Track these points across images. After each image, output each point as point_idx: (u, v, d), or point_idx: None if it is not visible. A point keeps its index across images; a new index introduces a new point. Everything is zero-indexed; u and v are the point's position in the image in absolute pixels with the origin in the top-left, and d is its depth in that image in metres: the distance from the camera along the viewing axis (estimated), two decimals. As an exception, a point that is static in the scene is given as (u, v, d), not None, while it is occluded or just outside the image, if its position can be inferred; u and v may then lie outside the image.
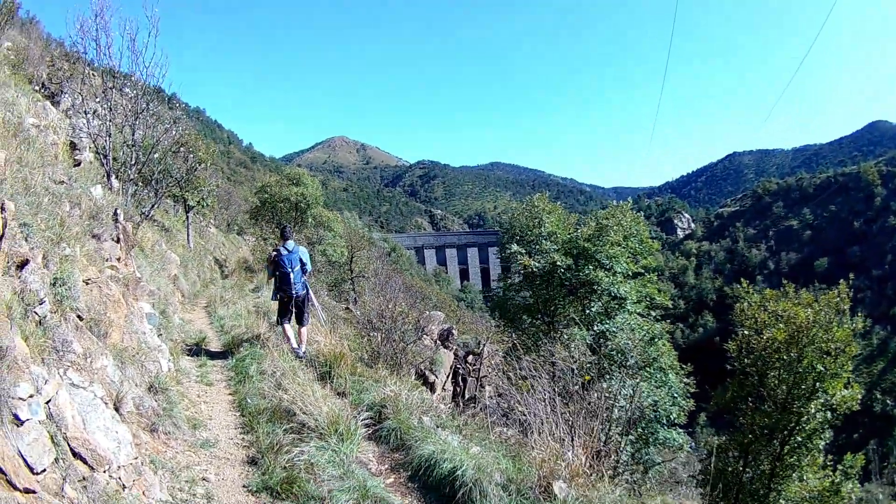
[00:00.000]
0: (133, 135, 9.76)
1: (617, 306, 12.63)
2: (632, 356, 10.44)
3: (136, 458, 3.14)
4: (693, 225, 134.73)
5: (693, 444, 13.74)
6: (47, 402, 2.70)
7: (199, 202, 16.37)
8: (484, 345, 21.83)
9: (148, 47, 9.22)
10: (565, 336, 11.13)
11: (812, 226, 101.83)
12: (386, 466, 4.31)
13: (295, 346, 6.74)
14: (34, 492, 2.27)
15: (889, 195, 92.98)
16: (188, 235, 16.49)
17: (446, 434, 4.72)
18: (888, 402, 59.66)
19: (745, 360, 7.97)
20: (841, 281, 8.18)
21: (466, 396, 21.16)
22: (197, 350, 7.07)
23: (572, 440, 3.59)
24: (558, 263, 12.56)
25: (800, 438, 7.27)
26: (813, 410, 7.26)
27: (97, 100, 9.38)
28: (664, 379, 11.63)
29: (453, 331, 21.82)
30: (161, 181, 12.30)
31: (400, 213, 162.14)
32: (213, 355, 7.03)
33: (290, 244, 6.88)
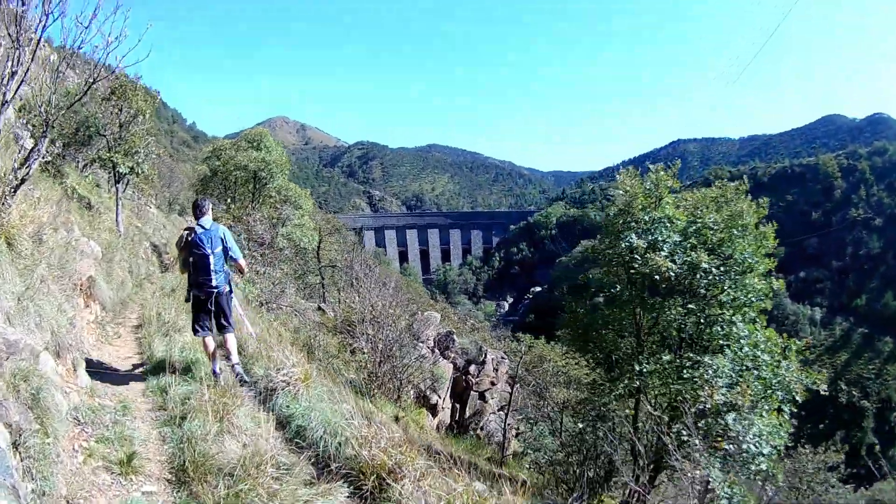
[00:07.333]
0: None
1: (734, 318, 8.08)
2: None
3: None
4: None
5: None
6: None
7: (132, 168, 11.17)
8: (486, 350, 17.86)
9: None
10: (704, 367, 7.44)
11: (767, 215, 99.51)
12: None
13: (217, 369, 4.74)
14: None
15: (849, 188, 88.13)
16: (117, 215, 11.15)
17: None
18: (854, 392, 58.36)
19: None
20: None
21: (468, 414, 17.37)
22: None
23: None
24: (703, 266, 7.79)
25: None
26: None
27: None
28: None
29: (454, 336, 17.62)
30: (55, 118, 7.26)
31: (339, 194, 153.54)
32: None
33: (207, 221, 4.83)
